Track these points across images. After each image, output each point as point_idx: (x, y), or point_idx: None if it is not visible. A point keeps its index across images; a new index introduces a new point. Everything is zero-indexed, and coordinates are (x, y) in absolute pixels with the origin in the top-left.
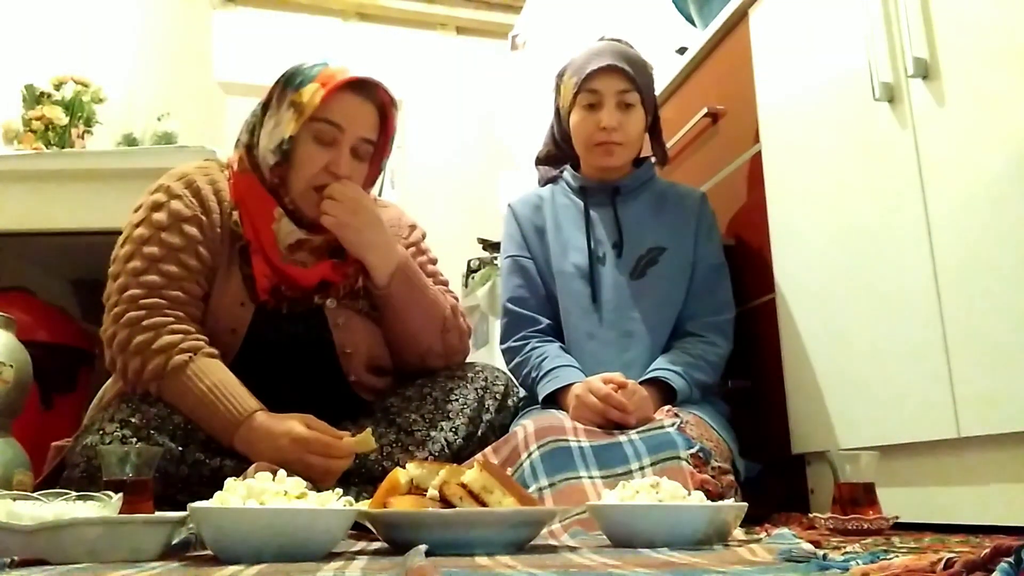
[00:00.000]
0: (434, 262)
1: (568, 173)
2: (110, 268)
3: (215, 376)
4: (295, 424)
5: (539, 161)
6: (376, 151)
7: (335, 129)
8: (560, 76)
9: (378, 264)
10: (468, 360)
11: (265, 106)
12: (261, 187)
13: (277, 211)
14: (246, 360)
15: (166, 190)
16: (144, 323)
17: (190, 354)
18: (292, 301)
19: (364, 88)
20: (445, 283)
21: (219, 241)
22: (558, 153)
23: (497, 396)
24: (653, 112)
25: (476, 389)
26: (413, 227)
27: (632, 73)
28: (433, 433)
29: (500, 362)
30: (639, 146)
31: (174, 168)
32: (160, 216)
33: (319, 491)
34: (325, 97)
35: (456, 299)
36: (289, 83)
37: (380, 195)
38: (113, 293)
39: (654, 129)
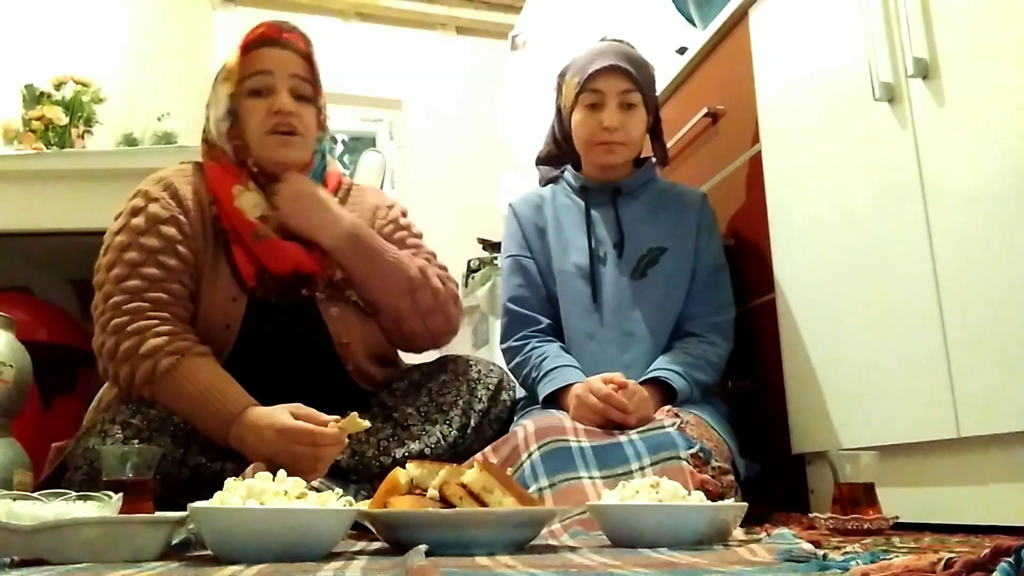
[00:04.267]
0: (418, 236)
1: (569, 173)
2: (95, 278)
3: (205, 376)
4: (280, 415)
5: (540, 161)
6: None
7: (265, 76)
8: (562, 76)
9: (329, 241)
10: (465, 358)
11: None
12: (225, 164)
13: (235, 188)
14: (243, 355)
15: (144, 195)
16: (129, 328)
17: (178, 356)
18: (279, 291)
19: (279, 41)
20: (432, 254)
21: (202, 238)
22: (559, 153)
23: (490, 387)
24: (654, 113)
25: (468, 381)
26: (391, 206)
27: (635, 73)
28: (428, 427)
29: (500, 362)
30: (640, 146)
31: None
32: (138, 221)
33: (318, 492)
34: (244, 49)
35: (443, 267)
36: (220, 71)
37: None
38: (99, 302)
39: (655, 129)
